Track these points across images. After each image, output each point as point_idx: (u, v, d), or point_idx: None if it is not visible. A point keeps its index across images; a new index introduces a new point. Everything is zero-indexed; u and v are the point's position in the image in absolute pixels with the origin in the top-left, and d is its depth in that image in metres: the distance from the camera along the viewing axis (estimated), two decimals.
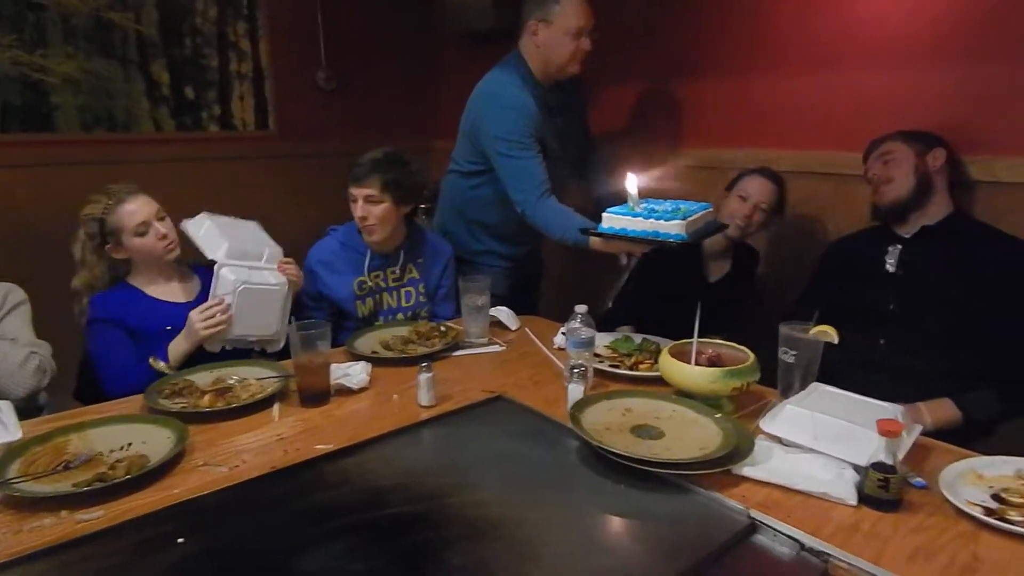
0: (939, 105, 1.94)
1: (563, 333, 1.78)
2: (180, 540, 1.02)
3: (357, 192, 1.97)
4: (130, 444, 1.27)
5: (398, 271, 2.10)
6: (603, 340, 1.82)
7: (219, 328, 1.72)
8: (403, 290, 2.12)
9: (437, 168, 3.27)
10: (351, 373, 1.56)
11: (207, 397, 1.45)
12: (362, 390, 1.56)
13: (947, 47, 1.94)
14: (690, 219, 1.53)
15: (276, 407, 1.48)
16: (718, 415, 1.33)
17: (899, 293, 1.80)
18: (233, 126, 3.10)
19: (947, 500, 1.08)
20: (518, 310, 2.14)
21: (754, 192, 2.10)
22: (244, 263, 1.81)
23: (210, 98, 3.03)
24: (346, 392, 1.54)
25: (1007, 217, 1.88)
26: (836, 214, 2.22)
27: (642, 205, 1.59)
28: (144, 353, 1.71)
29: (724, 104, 2.49)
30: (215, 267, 1.77)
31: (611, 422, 1.33)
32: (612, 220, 1.61)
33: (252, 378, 1.55)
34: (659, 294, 2.16)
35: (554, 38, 2.09)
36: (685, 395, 1.44)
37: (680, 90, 2.63)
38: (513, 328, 2.01)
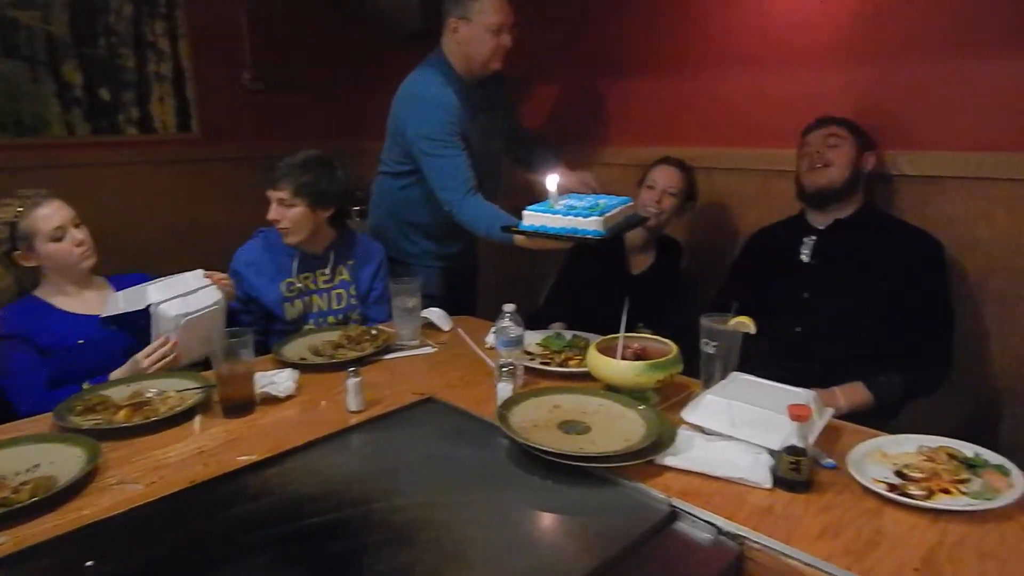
0: (852, 103, 2.01)
1: (494, 332, 1.78)
2: (88, 563, 0.97)
3: (271, 195, 1.96)
4: (37, 465, 1.21)
5: (328, 272, 2.08)
6: (535, 338, 1.83)
7: (168, 366, 1.67)
8: (334, 292, 2.09)
9: (369, 169, 3.24)
10: (277, 381, 1.52)
11: (122, 412, 1.39)
12: (289, 398, 1.53)
13: (856, 49, 2.03)
14: (608, 215, 1.56)
15: (197, 419, 1.43)
16: (642, 407, 1.36)
17: (812, 282, 1.87)
18: (153, 129, 2.99)
19: (854, 479, 1.13)
20: (455, 310, 2.13)
21: (660, 179, 2.17)
22: (176, 294, 1.75)
23: (127, 100, 2.91)
24: (272, 401, 1.51)
25: (911, 208, 1.99)
26: (759, 208, 2.29)
27: (561, 202, 1.61)
28: (57, 369, 1.64)
29: (651, 103, 2.55)
30: (151, 308, 1.70)
31: (539, 419, 1.34)
32: (532, 217, 1.63)
33: (172, 390, 1.50)
34: (586, 289, 2.20)
35: (474, 35, 2.10)
36: (613, 389, 1.47)
37: (608, 89, 2.68)
38: (446, 329, 2.01)
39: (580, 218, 1.55)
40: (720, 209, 2.43)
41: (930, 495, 1.09)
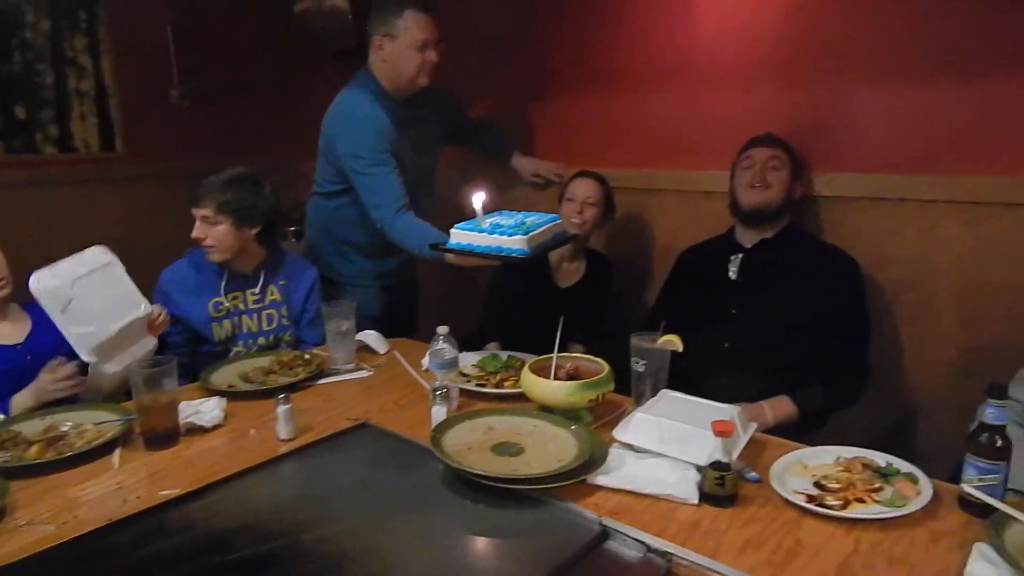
0: (772, 127, 2.05)
1: (430, 354, 1.77)
2: None
3: (195, 212, 1.93)
4: None
5: (258, 292, 2.04)
6: (471, 359, 1.84)
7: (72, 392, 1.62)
8: (264, 313, 2.05)
9: (306, 189, 3.17)
10: (203, 410, 1.48)
11: (34, 448, 1.32)
12: (216, 427, 1.48)
13: (774, 76, 2.12)
14: (532, 233, 1.58)
15: (117, 453, 1.37)
16: (574, 427, 1.37)
17: (739, 298, 1.94)
18: (74, 148, 2.87)
19: (776, 491, 1.17)
20: (396, 331, 2.13)
21: (579, 191, 2.24)
22: (115, 341, 1.66)
23: (45, 118, 2.79)
24: (198, 431, 1.46)
25: (828, 227, 2.09)
26: (688, 228, 2.34)
27: (488, 220, 1.63)
28: None
29: (582, 126, 2.59)
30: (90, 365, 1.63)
31: (473, 442, 1.34)
32: (459, 235, 1.65)
33: (89, 423, 1.43)
34: (516, 306, 2.24)
35: (399, 52, 2.12)
36: (547, 410, 1.48)
37: (539, 112, 2.71)
38: (381, 352, 1.99)
39: (505, 236, 1.57)
40: (651, 229, 2.49)
41: (846, 505, 1.13)
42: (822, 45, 2.03)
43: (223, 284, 1.98)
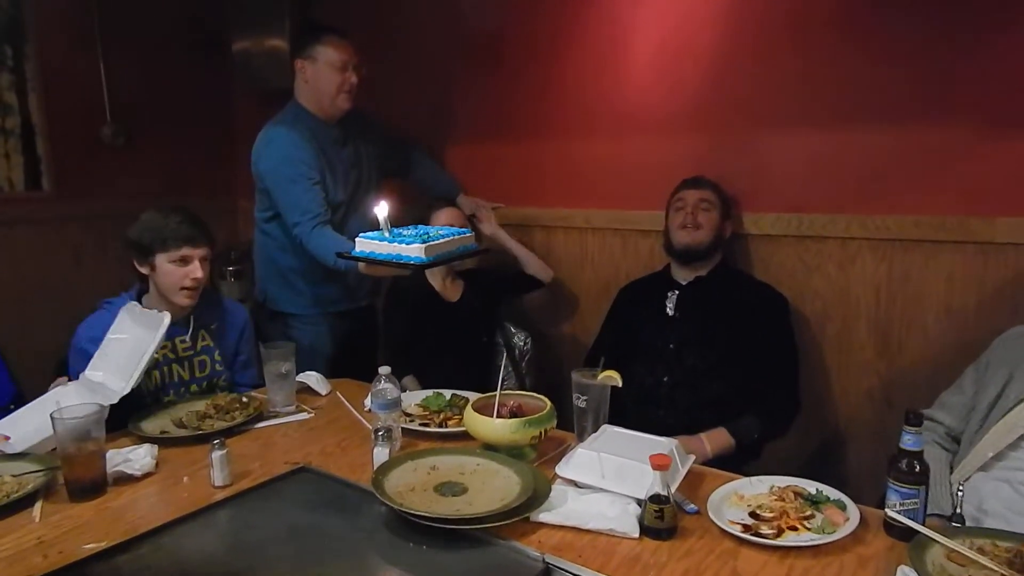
0: (701, 170, 2.15)
1: (371, 395, 1.76)
2: None
3: (193, 252, 1.83)
4: None
5: (188, 339, 1.94)
6: (415, 399, 1.83)
7: None
8: (196, 359, 1.95)
9: (245, 227, 3.14)
10: (133, 458, 1.42)
11: None
12: (147, 475, 1.43)
13: (702, 122, 2.22)
14: (431, 243, 1.62)
15: (38, 506, 1.30)
16: (518, 464, 1.38)
17: (676, 333, 1.99)
18: None
19: (713, 522, 1.20)
20: (354, 368, 2.11)
21: (443, 219, 2.35)
22: None
23: None
24: (128, 480, 1.40)
25: (757, 263, 2.19)
26: (627, 265, 2.43)
27: (395, 232, 1.68)
28: None
29: (523, 168, 2.65)
30: None
31: (416, 482, 1.33)
32: (364, 244, 1.70)
33: (7, 475, 1.35)
34: (419, 328, 2.32)
35: (320, 72, 2.21)
36: (491, 448, 1.48)
37: (479, 155, 2.75)
38: (323, 393, 1.95)
39: (404, 245, 1.61)
40: (590, 266, 2.55)
41: (779, 533, 1.17)
42: (742, 95, 2.14)
43: None
